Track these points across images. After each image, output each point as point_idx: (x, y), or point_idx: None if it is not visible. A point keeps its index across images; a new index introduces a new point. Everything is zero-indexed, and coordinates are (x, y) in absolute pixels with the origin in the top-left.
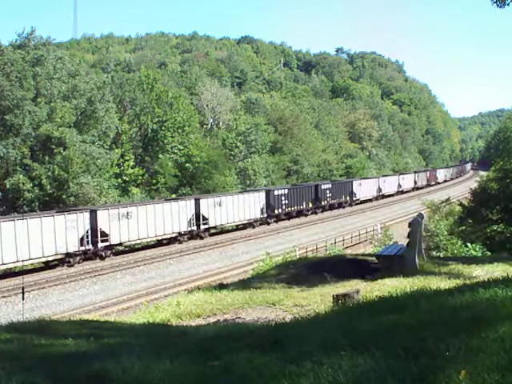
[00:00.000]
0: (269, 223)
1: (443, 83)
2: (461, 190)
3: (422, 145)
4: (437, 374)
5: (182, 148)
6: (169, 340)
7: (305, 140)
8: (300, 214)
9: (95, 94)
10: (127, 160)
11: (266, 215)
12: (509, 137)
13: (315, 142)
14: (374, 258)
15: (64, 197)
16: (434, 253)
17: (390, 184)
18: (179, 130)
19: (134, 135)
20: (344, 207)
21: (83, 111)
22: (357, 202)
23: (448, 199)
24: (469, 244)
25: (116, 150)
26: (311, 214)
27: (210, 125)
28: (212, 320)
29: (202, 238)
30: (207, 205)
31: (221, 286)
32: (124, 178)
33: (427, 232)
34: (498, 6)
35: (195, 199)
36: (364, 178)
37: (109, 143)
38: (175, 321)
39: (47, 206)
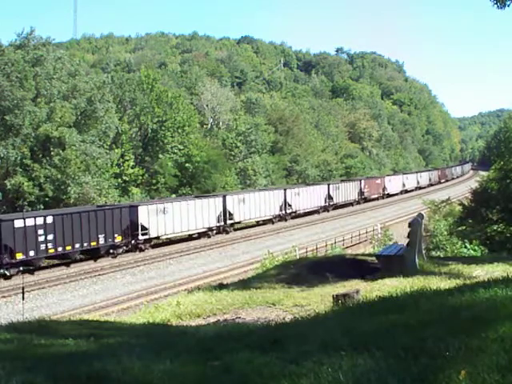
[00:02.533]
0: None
1: (443, 83)
2: (461, 189)
3: (422, 145)
4: (437, 374)
5: (181, 148)
6: (169, 340)
7: (305, 140)
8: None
9: (95, 94)
10: (127, 160)
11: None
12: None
13: (315, 141)
14: (373, 258)
15: (64, 197)
16: (433, 253)
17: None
18: (179, 130)
19: (133, 135)
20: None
21: (83, 111)
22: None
23: (448, 199)
24: (468, 244)
25: (116, 150)
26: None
27: (210, 125)
28: (212, 320)
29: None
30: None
31: (221, 286)
32: (124, 178)
33: (427, 232)
34: (498, 6)
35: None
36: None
37: (109, 143)
38: (175, 321)
39: (47, 206)
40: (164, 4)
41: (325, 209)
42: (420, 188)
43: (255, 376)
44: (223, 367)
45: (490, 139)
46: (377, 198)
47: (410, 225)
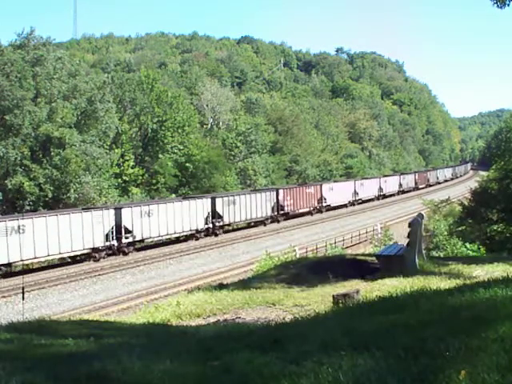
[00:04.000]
0: (279, 221)
1: (443, 83)
2: (461, 189)
3: (422, 145)
4: (437, 374)
5: (181, 148)
6: (169, 340)
7: (304, 140)
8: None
9: (95, 94)
10: (127, 160)
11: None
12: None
13: (315, 141)
14: (373, 258)
15: (64, 197)
16: (433, 253)
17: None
18: (179, 130)
19: (133, 135)
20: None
21: (83, 111)
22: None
23: (448, 199)
24: (468, 244)
25: (116, 150)
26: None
27: (210, 125)
28: (212, 320)
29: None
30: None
31: (221, 286)
32: (124, 177)
33: (427, 232)
34: (498, 6)
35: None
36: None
37: (109, 143)
38: (175, 321)
39: (47, 206)
40: (164, 4)
41: (318, 210)
42: (384, 196)
43: (255, 376)
44: (223, 367)
45: (490, 139)
46: (347, 205)
47: (409, 225)
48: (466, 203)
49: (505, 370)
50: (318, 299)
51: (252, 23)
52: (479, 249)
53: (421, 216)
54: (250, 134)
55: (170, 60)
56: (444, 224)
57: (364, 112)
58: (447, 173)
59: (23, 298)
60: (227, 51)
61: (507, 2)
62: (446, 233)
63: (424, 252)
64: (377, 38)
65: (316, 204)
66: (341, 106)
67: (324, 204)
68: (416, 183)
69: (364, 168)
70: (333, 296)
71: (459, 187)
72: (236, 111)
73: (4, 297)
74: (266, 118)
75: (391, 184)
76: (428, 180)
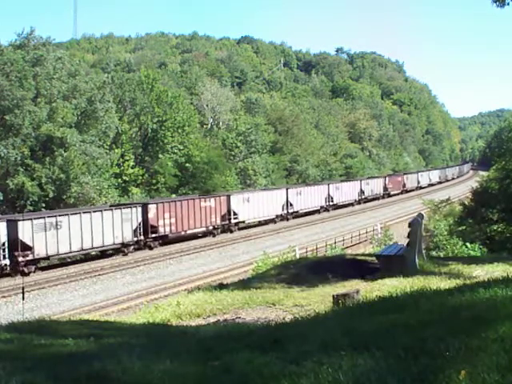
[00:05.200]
0: (288, 219)
1: (443, 83)
2: (461, 189)
3: (422, 145)
4: (437, 374)
5: (181, 148)
6: (169, 340)
7: (304, 140)
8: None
9: (95, 94)
10: (127, 160)
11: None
12: None
13: (315, 141)
14: (373, 258)
15: (64, 197)
16: (433, 253)
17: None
18: (179, 130)
19: (133, 135)
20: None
21: (83, 111)
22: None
23: (448, 199)
24: (469, 244)
25: (116, 150)
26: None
27: (209, 125)
28: (212, 320)
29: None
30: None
31: (221, 286)
32: (124, 177)
33: (427, 232)
34: (497, 5)
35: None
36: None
37: (109, 143)
38: (175, 321)
39: (48, 206)
40: (164, 4)
41: (325, 209)
42: (337, 207)
43: (255, 376)
44: (223, 367)
45: (490, 139)
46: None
47: (409, 225)
48: (467, 203)
49: (505, 369)
50: (317, 299)
51: (252, 23)
52: (480, 249)
53: (421, 216)
54: (250, 134)
55: (170, 60)
56: (444, 224)
57: (364, 112)
58: (433, 176)
59: (23, 298)
60: (227, 51)
61: (507, 1)
62: (446, 233)
63: (424, 252)
64: (377, 37)
65: (324, 203)
66: (341, 106)
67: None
68: (386, 189)
69: (364, 168)
70: (333, 296)
71: (459, 187)
72: (236, 111)
73: (4, 297)
74: (266, 118)
75: (347, 191)
76: (404, 185)
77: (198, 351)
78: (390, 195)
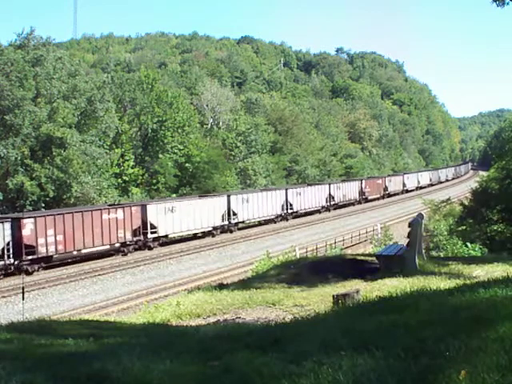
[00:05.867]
0: (287, 219)
1: (443, 83)
2: (461, 189)
3: (422, 145)
4: (437, 374)
5: (181, 148)
6: (169, 340)
7: (304, 140)
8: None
9: (95, 94)
10: (127, 160)
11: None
12: None
13: (314, 141)
14: (373, 258)
15: (64, 197)
16: (433, 253)
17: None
18: (179, 130)
19: (133, 135)
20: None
21: (83, 111)
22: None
23: (448, 199)
24: (469, 244)
25: (116, 150)
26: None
27: (209, 125)
28: (212, 320)
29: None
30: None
31: (221, 286)
32: (124, 177)
33: (427, 232)
34: (497, 5)
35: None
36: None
37: (109, 143)
38: (175, 321)
39: (48, 206)
40: (164, 4)
41: (326, 209)
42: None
43: (255, 376)
44: (223, 367)
45: (490, 139)
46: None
47: (409, 225)
48: (467, 203)
49: (505, 369)
50: (317, 299)
51: (252, 23)
52: (480, 249)
53: (421, 216)
54: (250, 134)
55: (170, 60)
56: (444, 224)
57: (364, 112)
58: (423, 178)
59: (23, 298)
60: (227, 51)
61: (506, 1)
62: (446, 233)
63: (424, 252)
64: (377, 37)
65: (324, 203)
66: (341, 106)
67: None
68: (363, 193)
69: (364, 168)
70: (333, 296)
71: (459, 187)
72: (236, 111)
73: (4, 297)
74: (266, 118)
75: (311, 198)
76: (385, 189)
77: (198, 351)
78: (367, 200)
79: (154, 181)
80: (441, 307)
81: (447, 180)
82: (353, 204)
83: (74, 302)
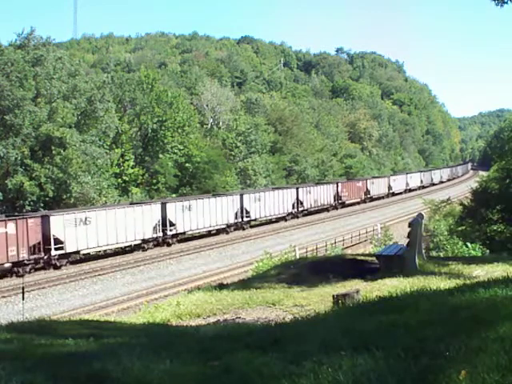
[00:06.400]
0: (298, 217)
1: (443, 83)
2: (461, 189)
3: (422, 145)
4: (437, 374)
5: (182, 148)
6: (169, 340)
7: (304, 140)
8: (324, 209)
9: (95, 94)
10: (127, 160)
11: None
12: None
13: (314, 141)
14: (373, 258)
15: (64, 197)
16: (433, 253)
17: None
18: (179, 130)
19: (133, 135)
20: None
21: (83, 111)
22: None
23: (448, 199)
24: (469, 244)
25: (116, 150)
26: (333, 209)
27: (209, 125)
28: (212, 320)
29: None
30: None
31: (221, 286)
32: (124, 177)
33: (427, 232)
34: (497, 4)
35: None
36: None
37: (109, 143)
38: (175, 321)
39: (47, 206)
40: (164, 4)
41: (334, 207)
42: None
43: (255, 376)
44: (223, 367)
45: (490, 139)
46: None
47: (409, 225)
48: (467, 203)
49: (505, 369)
50: (317, 299)
51: (252, 23)
52: (480, 249)
53: (421, 216)
54: (250, 134)
55: (170, 60)
56: (444, 224)
57: (364, 112)
58: (413, 180)
59: (23, 298)
60: (227, 51)
61: (506, 0)
62: (446, 233)
63: (424, 252)
64: (377, 37)
65: (332, 201)
66: (341, 105)
67: (339, 201)
68: (339, 198)
69: (364, 168)
70: (333, 296)
71: (459, 187)
72: (236, 111)
73: (4, 297)
74: (266, 118)
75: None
76: (367, 192)
77: (198, 351)
78: (344, 205)
79: (154, 181)
80: (441, 307)
81: (441, 182)
82: (327, 210)
83: (73, 302)
